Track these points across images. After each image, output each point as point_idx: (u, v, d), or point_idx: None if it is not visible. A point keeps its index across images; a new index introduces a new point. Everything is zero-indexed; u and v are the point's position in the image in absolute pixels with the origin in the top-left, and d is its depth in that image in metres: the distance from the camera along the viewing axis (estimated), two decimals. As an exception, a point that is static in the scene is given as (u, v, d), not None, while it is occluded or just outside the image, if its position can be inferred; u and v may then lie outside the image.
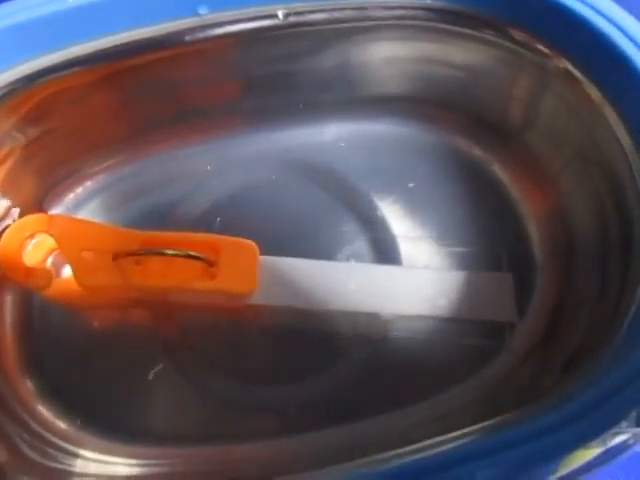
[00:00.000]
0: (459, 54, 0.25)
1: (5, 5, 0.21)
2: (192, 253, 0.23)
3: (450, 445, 0.15)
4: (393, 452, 0.16)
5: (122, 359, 0.24)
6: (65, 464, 0.21)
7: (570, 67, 0.21)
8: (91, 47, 0.23)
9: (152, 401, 0.23)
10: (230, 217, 0.26)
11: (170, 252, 0.23)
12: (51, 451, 0.21)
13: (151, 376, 0.24)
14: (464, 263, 0.25)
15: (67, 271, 0.25)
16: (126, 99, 0.26)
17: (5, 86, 0.21)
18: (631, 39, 0.19)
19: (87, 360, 0.24)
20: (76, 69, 0.24)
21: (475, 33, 0.24)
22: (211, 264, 0.23)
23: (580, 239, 0.23)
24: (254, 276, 0.24)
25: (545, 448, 0.14)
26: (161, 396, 0.24)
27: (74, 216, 0.26)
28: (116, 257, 0.23)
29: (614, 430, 0.15)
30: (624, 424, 0.15)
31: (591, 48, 0.20)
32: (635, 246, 0.18)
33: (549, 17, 0.21)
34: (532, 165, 0.26)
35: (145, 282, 0.23)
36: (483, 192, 0.26)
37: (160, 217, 0.26)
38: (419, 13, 0.24)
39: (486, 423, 0.16)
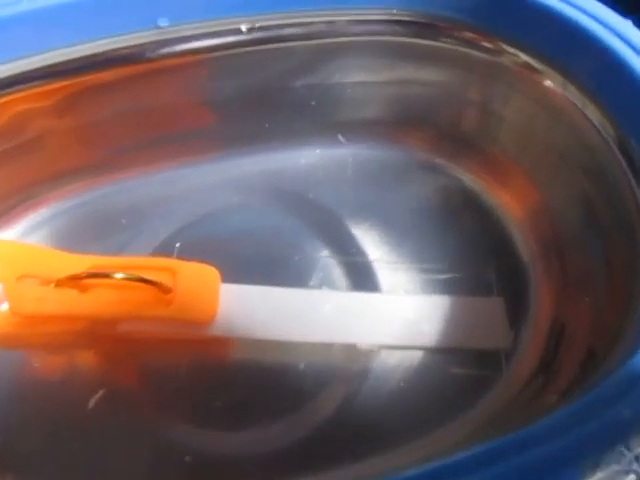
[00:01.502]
0: (429, 70, 0.25)
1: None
2: (144, 277, 0.20)
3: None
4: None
5: (63, 405, 0.21)
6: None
7: (530, 60, 0.21)
8: (41, 61, 0.22)
9: (99, 454, 0.20)
10: (193, 244, 0.24)
11: (119, 275, 0.20)
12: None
13: (97, 423, 0.20)
14: (449, 286, 0.23)
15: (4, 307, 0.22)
16: (87, 122, 0.25)
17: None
18: (593, 17, 0.18)
19: (24, 409, 0.20)
20: (27, 85, 0.22)
21: (441, 45, 0.23)
22: (166, 290, 0.21)
23: (570, 236, 0.21)
24: (215, 304, 0.21)
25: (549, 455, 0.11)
26: (109, 447, 0.20)
27: (14, 241, 0.24)
28: (59, 283, 0.21)
29: (624, 467, 0.13)
30: (635, 464, 0.13)
31: (556, 38, 0.19)
32: (636, 233, 0.16)
33: (511, 16, 0.21)
34: (507, 171, 0.24)
35: (92, 311, 0.21)
36: (462, 209, 0.25)
37: (119, 246, 0.24)
38: (386, 28, 0.24)
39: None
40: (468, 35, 0.22)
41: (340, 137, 0.27)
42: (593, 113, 0.19)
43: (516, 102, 0.23)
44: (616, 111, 0.18)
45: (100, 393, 0.21)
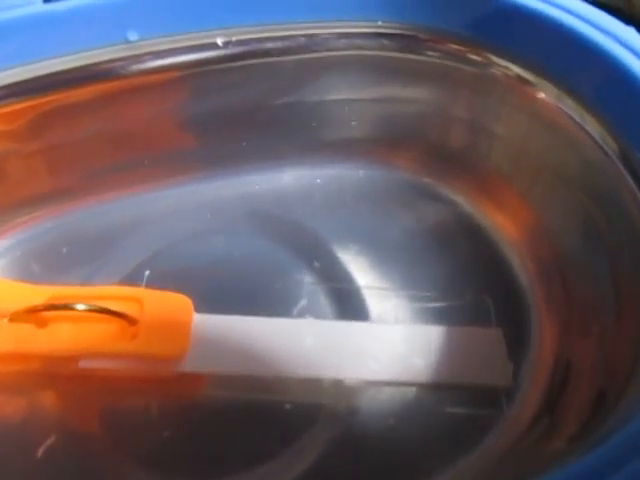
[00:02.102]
0: (416, 86, 0.24)
1: None
2: (107, 307, 0.19)
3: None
4: None
5: (17, 453, 0.19)
6: None
7: (522, 72, 0.20)
8: (2, 79, 0.20)
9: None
10: (164, 272, 0.22)
11: (80, 306, 0.19)
12: None
13: (54, 473, 0.18)
14: (443, 315, 0.21)
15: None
16: (55, 145, 0.23)
17: None
18: (592, 24, 0.17)
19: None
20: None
21: (428, 59, 0.22)
22: (132, 322, 0.19)
23: (572, 258, 0.19)
24: (186, 336, 0.19)
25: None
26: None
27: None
28: (14, 317, 0.19)
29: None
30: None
31: (551, 47, 0.18)
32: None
33: (501, 25, 0.20)
34: (502, 190, 0.23)
35: (50, 347, 0.19)
36: (455, 232, 0.23)
37: (85, 275, 0.22)
38: (371, 42, 0.23)
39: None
40: (455, 48, 0.21)
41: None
42: (592, 126, 0.18)
43: (508, 117, 0.22)
44: (619, 123, 0.17)
45: (58, 439, 0.19)
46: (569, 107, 0.18)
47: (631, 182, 0.16)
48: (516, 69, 0.20)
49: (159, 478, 0.18)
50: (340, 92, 0.24)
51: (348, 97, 0.25)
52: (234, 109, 0.24)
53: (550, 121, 0.19)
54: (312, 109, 0.25)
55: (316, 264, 0.23)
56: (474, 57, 0.21)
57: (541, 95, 0.19)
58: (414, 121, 0.24)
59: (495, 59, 0.20)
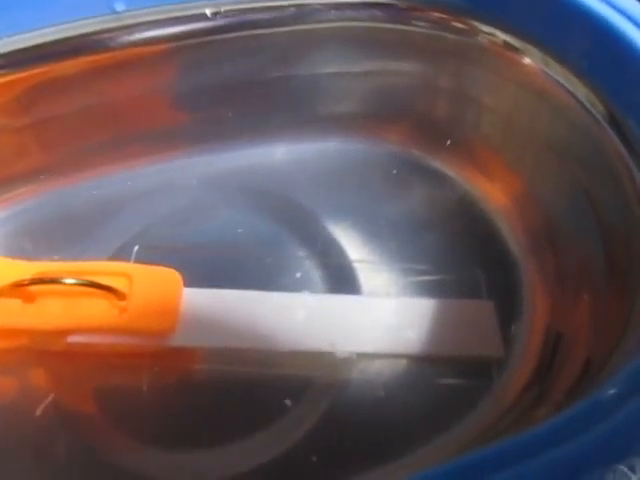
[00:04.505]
0: (405, 59, 0.23)
1: None
2: (95, 281, 0.18)
3: None
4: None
5: (6, 431, 0.19)
6: None
7: (508, 38, 0.20)
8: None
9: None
10: (154, 247, 0.22)
11: (68, 280, 0.18)
12: None
13: (46, 451, 0.18)
14: (434, 288, 0.21)
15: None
16: (46, 119, 0.23)
17: None
18: None
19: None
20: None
21: (416, 29, 0.22)
22: (121, 297, 0.19)
23: (563, 227, 0.19)
24: (175, 310, 0.19)
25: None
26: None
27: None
28: (1, 292, 0.19)
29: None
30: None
31: (536, 11, 0.18)
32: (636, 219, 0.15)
33: None
34: (492, 161, 0.23)
35: (38, 323, 0.19)
36: (446, 205, 0.23)
37: (75, 251, 0.22)
38: (360, 12, 0.22)
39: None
40: (442, 17, 0.21)
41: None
42: (580, 91, 0.18)
43: (496, 87, 0.21)
44: (607, 86, 0.17)
45: (49, 415, 0.19)
46: (556, 72, 0.18)
47: (620, 145, 0.16)
48: (502, 35, 0.20)
49: (153, 451, 0.18)
50: (331, 65, 0.24)
51: (339, 70, 0.24)
52: (224, 83, 0.24)
53: (538, 88, 0.19)
54: (303, 83, 0.24)
55: (308, 238, 0.23)
56: (461, 25, 0.20)
57: (528, 61, 0.19)
58: (404, 94, 0.24)
59: (481, 26, 0.20)
